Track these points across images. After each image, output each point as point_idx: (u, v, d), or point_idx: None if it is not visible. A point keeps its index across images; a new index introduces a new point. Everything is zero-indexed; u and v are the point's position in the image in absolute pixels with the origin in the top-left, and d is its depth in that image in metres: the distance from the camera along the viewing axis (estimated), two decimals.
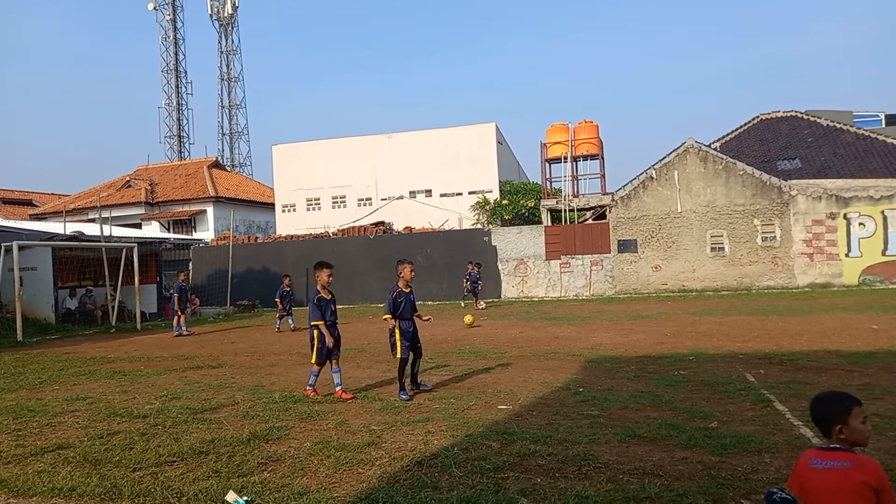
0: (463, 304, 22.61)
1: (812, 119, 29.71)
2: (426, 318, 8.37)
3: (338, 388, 7.70)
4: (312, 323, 7.67)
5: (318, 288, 7.80)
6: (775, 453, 4.96)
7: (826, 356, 9.20)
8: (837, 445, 2.80)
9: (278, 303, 17.09)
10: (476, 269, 22.22)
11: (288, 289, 17.13)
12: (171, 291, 18.53)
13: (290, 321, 16.94)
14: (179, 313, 16.94)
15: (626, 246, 24.34)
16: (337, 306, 8.07)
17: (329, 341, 7.56)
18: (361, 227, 29.35)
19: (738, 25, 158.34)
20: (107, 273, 20.62)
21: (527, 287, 25.15)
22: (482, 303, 21.91)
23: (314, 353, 7.70)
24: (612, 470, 4.70)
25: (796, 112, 30.49)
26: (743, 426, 5.74)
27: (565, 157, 26.36)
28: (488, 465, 4.86)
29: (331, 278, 7.87)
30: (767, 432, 5.52)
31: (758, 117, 30.81)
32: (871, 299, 17.80)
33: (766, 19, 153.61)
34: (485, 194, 31.59)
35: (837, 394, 2.97)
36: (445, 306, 23.34)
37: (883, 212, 22.20)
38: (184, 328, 16.83)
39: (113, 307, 20.59)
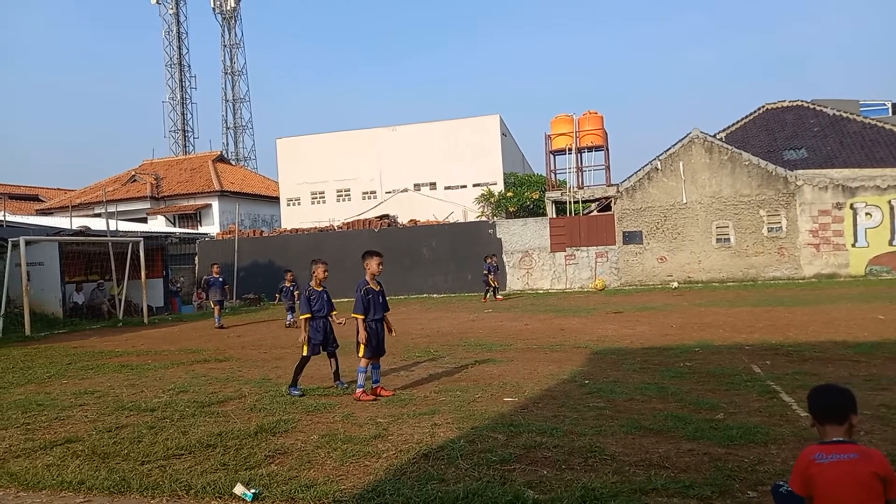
0: (488, 298, 22.31)
1: (818, 108, 29.49)
2: (339, 320, 8.13)
3: (374, 385, 7.39)
4: (353, 315, 7.30)
5: (367, 278, 7.35)
6: (782, 444, 4.96)
7: (832, 347, 9.17)
8: (840, 438, 2.80)
9: (278, 297, 17.09)
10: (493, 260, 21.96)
11: (289, 285, 16.75)
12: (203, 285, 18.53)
13: (289, 316, 16.33)
14: (212, 305, 17.18)
15: (632, 237, 24.27)
16: (386, 297, 7.62)
17: (363, 337, 7.14)
18: (366, 220, 29.36)
19: (744, 16, 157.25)
20: (113, 267, 20.69)
21: (532, 279, 25.13)
22: (499, 296, 21.72)
23: (361, 347, 7.21)
24: (618, 462, 4.71)
25: (802, 101, 30.26)
26: (749, 417, 5.74)
27: (570, 149, 26.26)
28: (494, 458, 4.87)
29: (381, 267, 7.42)
30: (774, 423, 5.52)
31: (763, 107, 30.60)
32: (877, 289, 17.73)
33: (772, 9, 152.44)
34: (489, 186, 31.53)
35: (842, 386, 2.98)
36: (451, 299, 23.37)
37: (890, 202, 22.06)
38: (218, 319, 16.89)
39: (120, 300, 20.68)
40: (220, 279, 17.51)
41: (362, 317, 7.24)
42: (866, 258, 22.19)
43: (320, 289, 8.00)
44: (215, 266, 17.98)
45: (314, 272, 8.02)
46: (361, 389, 7.21)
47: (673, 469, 4.52)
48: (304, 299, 7.92)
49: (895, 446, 4.71)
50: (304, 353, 7.81)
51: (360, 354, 7.25)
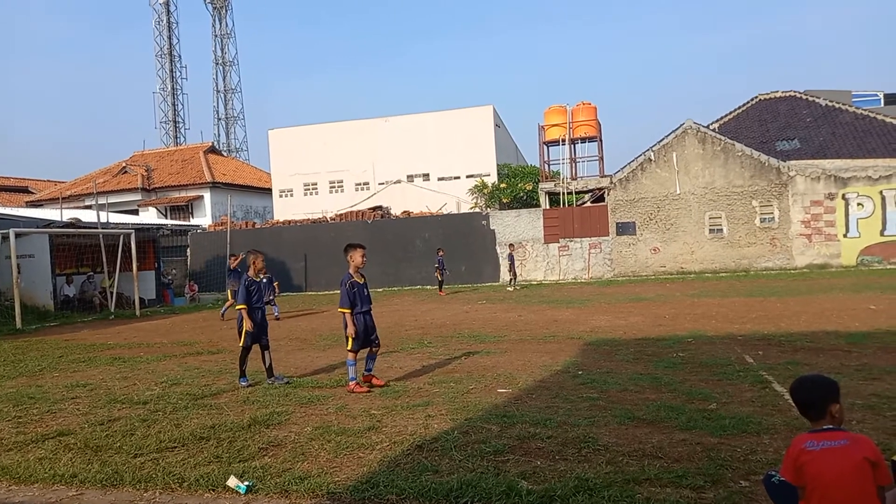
0: (514, 287, 21.81)
1: (811, 99, 29.56)
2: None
3: (367, 373, 7.39)
4: (339, 310, 7.31)
5: (351, 271, 7.34)
6: (774, 434, 4.98)
7: (824, 337, 9.22)
8: (830, 426, 2.80)
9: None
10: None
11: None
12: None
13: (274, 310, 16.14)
14: (229, 297, 16.98)
15: (625, 228, 24.32)
16: (369, 290, 7.62)
17: (351, 331, 7.14)
18: (359, 211, 29.29)
19: (738, 7, 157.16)
20: (104, 260, 20.57)
21: (525, 270, 25.14)
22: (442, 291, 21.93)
23: (348, 340, 7.22)
24: (612, 452, 4.72)
25: (795, 92, 30.33)
26: (742, 407, 5.76)
27: (563, 140, 26.25)
28: (488, 449, 4.87)
29: (365, 259, 7.44)
30: (766, 413, 5.54)
31: (756, 98, 30.66)
32: (869, 279, 17.84)
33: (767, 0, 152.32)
34: (483, 178, 31.49)
35: (823, 377, 2.99)
36: (445, 290, 23.34)
37: (881, 192, 22.17)
38: (224, 311, 16.68)
39: (112, 293, 20.57)
40: (239, 271, 17.42)
41: (349, 311, 7.21)
42: (858, 248, 22.33)
43: (258, 279, 7.99)
44: (234, 257, 17.74)
45: (253, 262, 7.94)
46: (354, 381, 7.19)
47: (666, 459, 4.53)
48: (243, 289, 7.73)
49: (886, 435, 4.74)
50: (243, 344, 7.78)
51: (349, 348, 7.24)
